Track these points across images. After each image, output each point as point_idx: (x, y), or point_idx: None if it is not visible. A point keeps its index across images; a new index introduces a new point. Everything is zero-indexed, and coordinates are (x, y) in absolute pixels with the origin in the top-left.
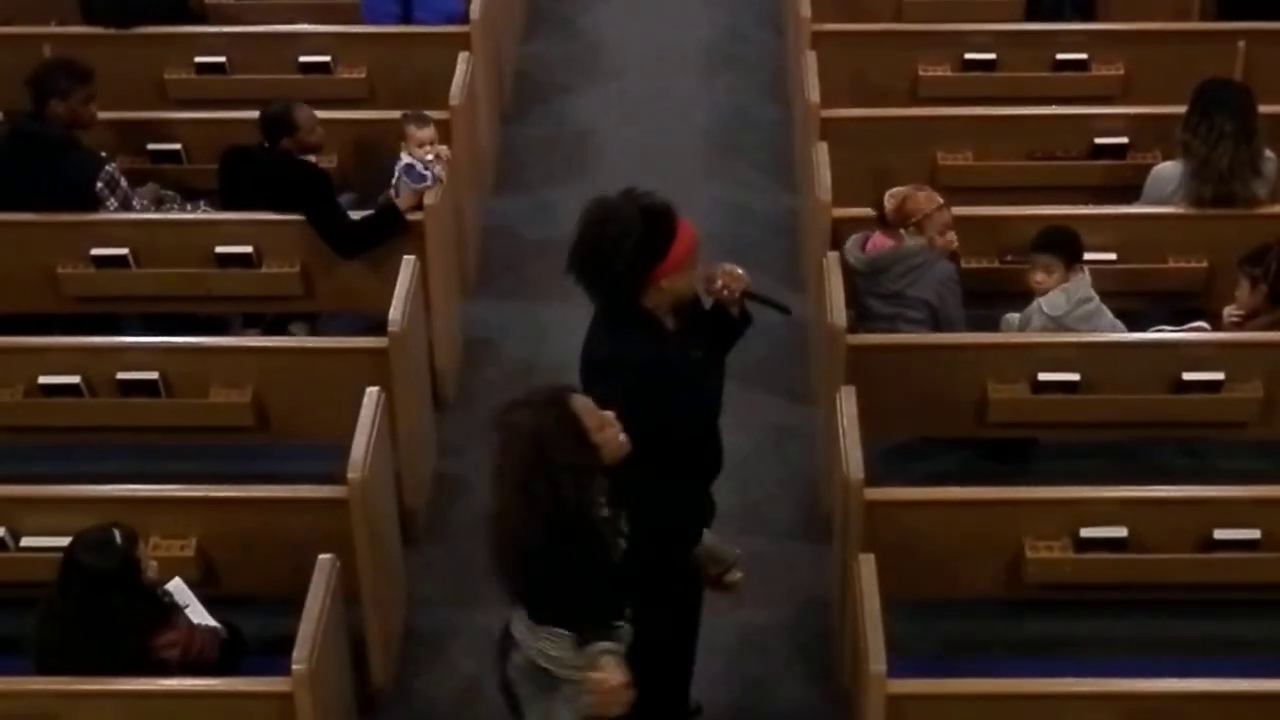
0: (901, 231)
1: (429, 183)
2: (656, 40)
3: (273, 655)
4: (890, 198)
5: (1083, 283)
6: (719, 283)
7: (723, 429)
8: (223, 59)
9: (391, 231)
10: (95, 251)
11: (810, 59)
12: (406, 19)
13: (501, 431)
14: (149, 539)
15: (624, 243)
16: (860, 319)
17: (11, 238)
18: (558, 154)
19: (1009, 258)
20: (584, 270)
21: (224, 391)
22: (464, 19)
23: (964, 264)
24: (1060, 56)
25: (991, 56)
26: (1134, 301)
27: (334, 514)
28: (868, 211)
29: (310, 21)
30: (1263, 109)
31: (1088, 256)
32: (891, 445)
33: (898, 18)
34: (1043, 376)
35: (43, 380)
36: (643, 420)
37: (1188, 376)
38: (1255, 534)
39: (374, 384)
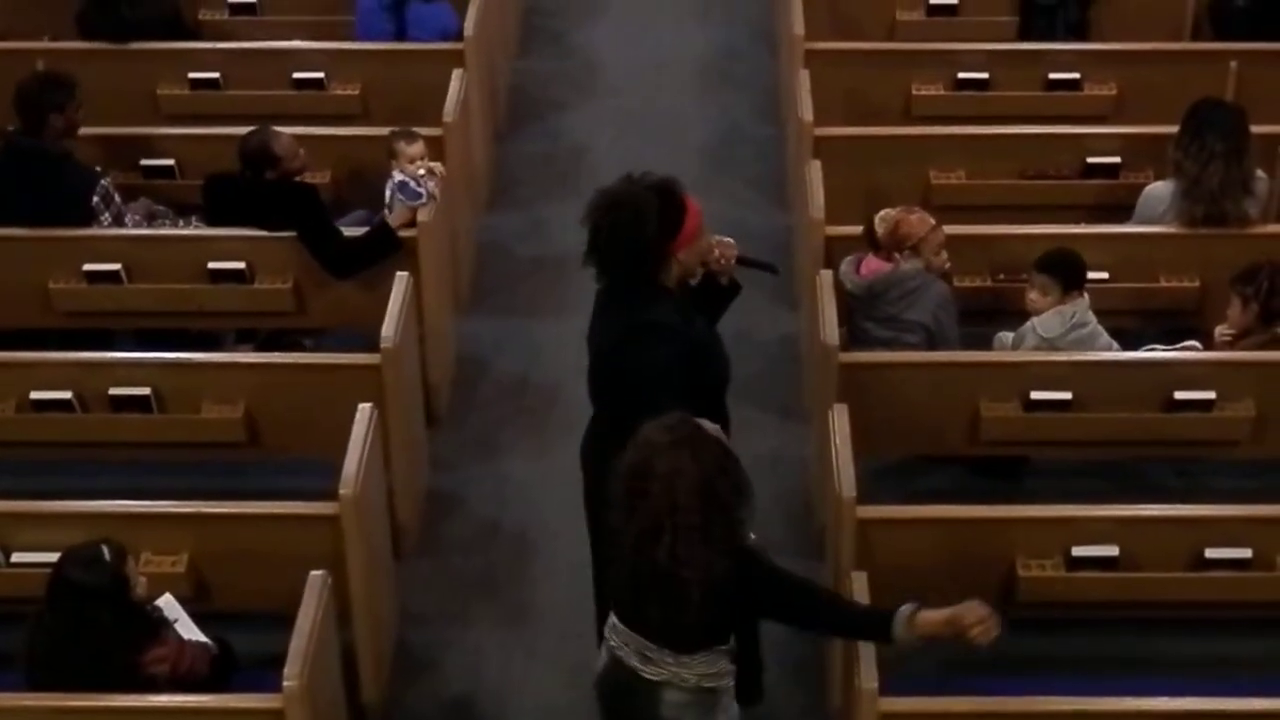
0: (896, 254)
1: (423, 199)
2: (650, 57)
3: (264, 671)
4: (882, 222)
5: (1081, 306)
6: (715, 252)
7: None
8: (216, 75)
9: (384, 251)
10: (88, 267)
11: (804, 77)
12: (400, 36)
13: (653, 481)
14: (140, 554)
15: (644, 221)
16: (854, 342)
17: (4, 252)
18: (552, 171)
19: (1001, 276)
20: (608, 255)
21: (216, 407)
22: (458, 36)
23: (956, 282)
24: (1053, 76)
25: (984, 76)
26: (1126, 320)
27: (326, 530)
28: (860, 230)
29: (304, 38)
30: (1255, 128)
31: None
32: (884, 463)
33: (891, 37)
34: (1035, 395)
35: (34, 395)
36: (683, 386)
37: (1179, 395)
38: (1247, 553)
39: (367, 400)
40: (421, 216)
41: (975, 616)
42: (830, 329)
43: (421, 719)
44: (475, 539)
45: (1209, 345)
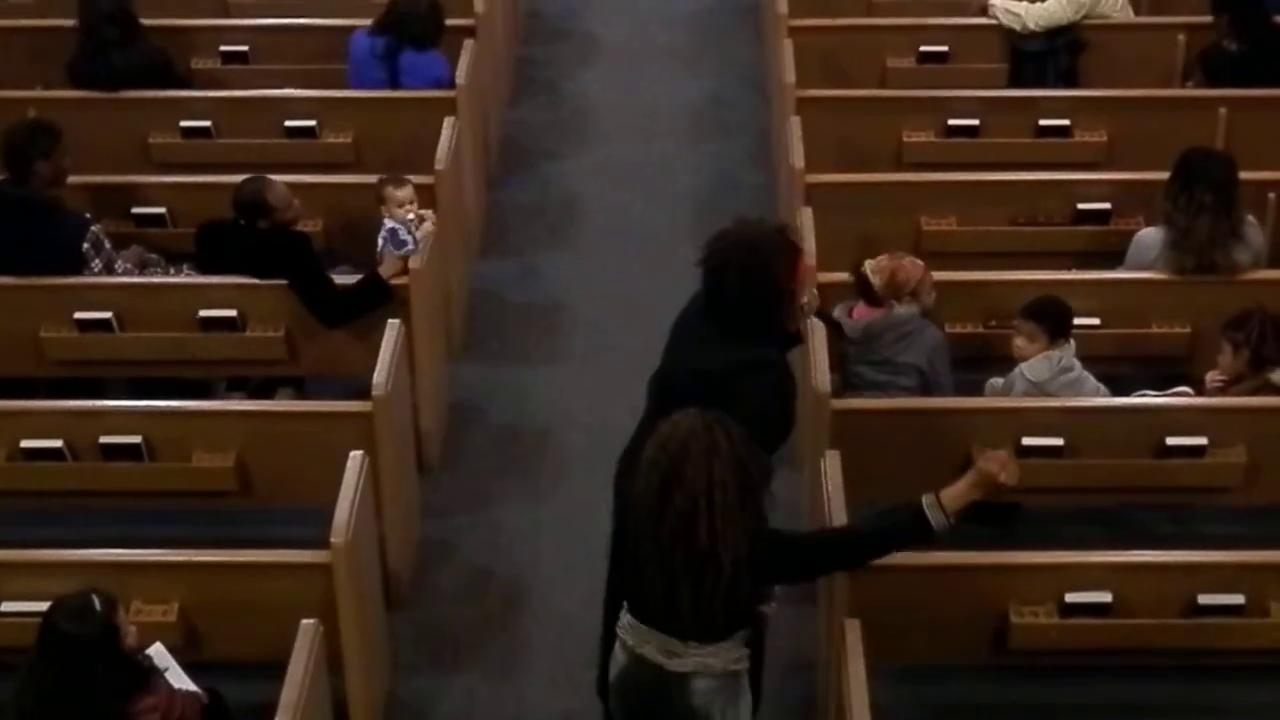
0: (894, 301)
1: (412, 247)
2: (642, 105)
3: None
4: (875, 273)
5: (1067, 351)
6: (806, 298)
7: None
8: (208, 123)
9: (375, 301)
10: (79, 315)
11: (795, 124)
12: (393, 84)
13: (688, 463)
14: (131, 603)
15: (776, 262)
16: (848, 386)
17: None
18: (543, 219)
19: (993, 322)
20: (745, 298)
21: (207, 456)
22: (450, 84)
23: (947, 329)
24: (1043, 123)
25: (975, 122)
26: (1117, 366)
27: (317, 579)
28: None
29: (296, 86)
30: (1245, 175)
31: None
32: (875, 509)
33: (882, 84)
34: (1027, 441)
35: (25, 444)
36: (779, 421)
37: (1171, 441)
38: (1240, 599)
39: (358, 448)
40: (412, 264)
41: (997, 465)
42: (822, 375)
43: None
44: (467, 587)
45: (1200, 391)
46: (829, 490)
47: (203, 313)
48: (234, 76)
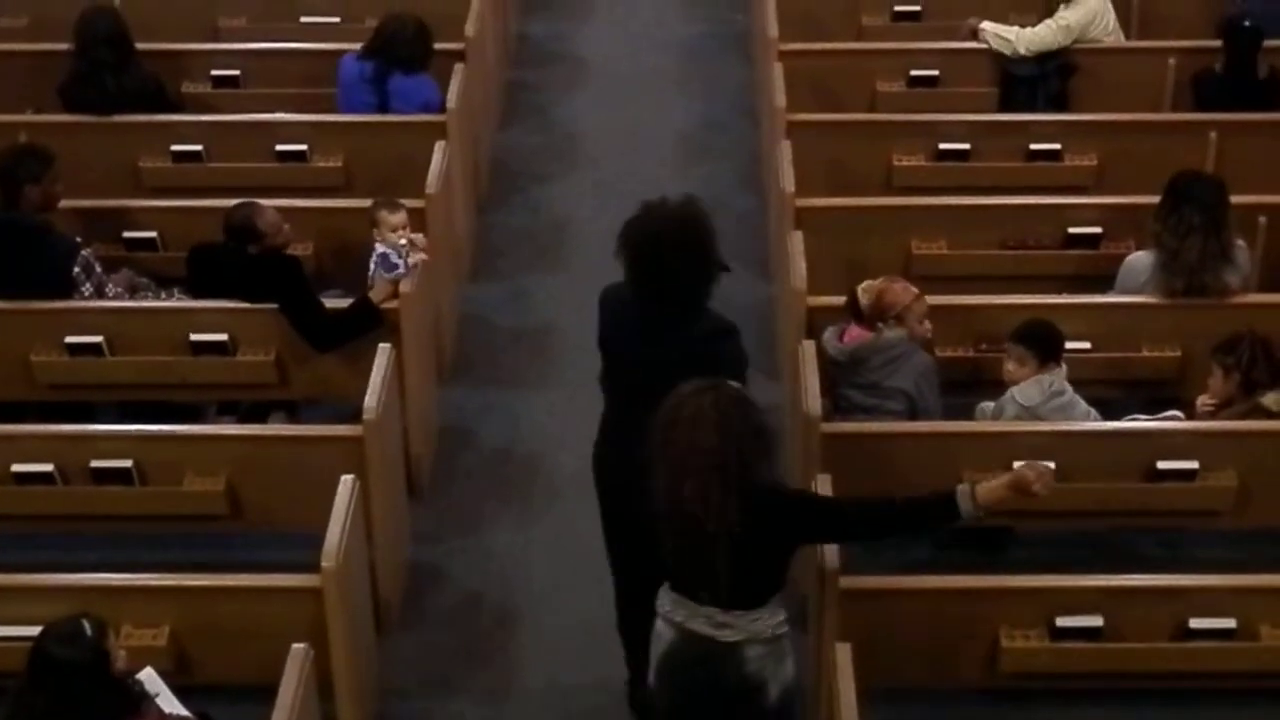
0: (880, 324)
1: (402, 271)
2: (632, 129)
3: None
4: (865, 293)
5: (1058, 376)
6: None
7: None
8: (199, 147)
9: (366, 326)
10: (69, 339)
11: (785, 148)
12: (383, 109)
13: (677, 428)
14: (121, 628)
15: (707, 231)
16: (837, 410)
17: None
18: (534, 242)
19: (983, 346)
20: (686, 273)
21: (198, 480)
22: (440, 109)
23: (938, 352)
24: (1034, 147)
25: (965, 146)
26: (1108, 390)
27: (308, 603)
28: (843, 300)
29: (287, 111)
30: (1235, 198)
31: None
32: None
33: (872, 108)
34: (1018, 465)
35: (15, 468)
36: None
37: (1162, 465)
38: (1231, 623)
39: (348, 472)
40: (403, 288)
41: (1034, 473)
42: (812, 400)
43: None
44: (458, 611)
45: (1191, 415)
46: None
47: (193, 336)
48: (225, 101)
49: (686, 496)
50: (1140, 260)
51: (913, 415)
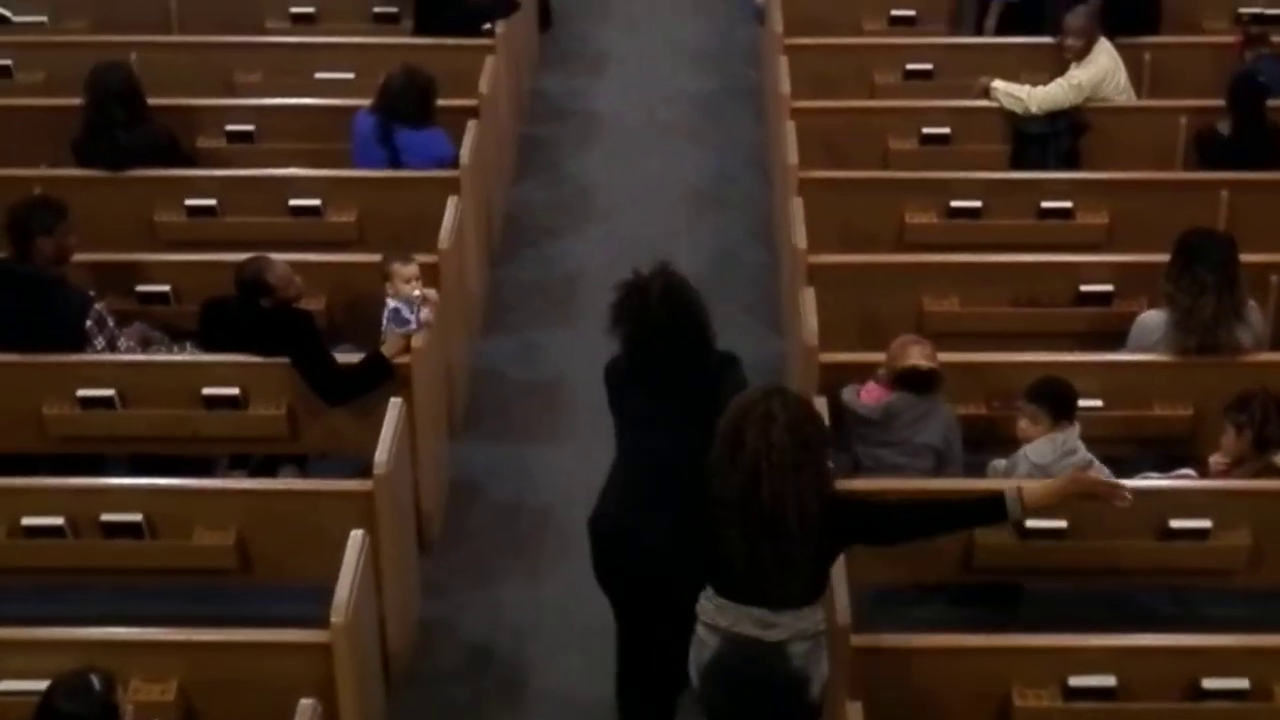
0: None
1: (414, 326)
2: (644, 184)
3: None
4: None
5: (1071, 434)
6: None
7: None
8: (213, 202)
9: (378, 380)
10: (82, 392)
11: (797, 205)
12: (394, 164)
13: (748, 429)
14: (129, 681)
15: (693, 295)
16: (858, 469)
17: None
18: (546, 296)
19: (996, 404)
20: (684, 340)
21: (208, 534)
22: (453, 161)
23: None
24: (1045, 204)
25: (977, 204)
26: (1120, 448)
27: (317, 658)
28: (855, 357)
29: (301, 165)
30: (1246, 257)
31: None
32: (879, 591)
33: (884, 165)
34: (1030, 523)
35: (26, 521)
36: None
37: (1175, 524)
38: (1244, 684)
39: (359, 527)
40: (415, 343)
41: (1090, 481)
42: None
43: None
44: (467, 667)
45: (1203, 473)
46: (831, 576)
47: (205, 390)
48: (239, 155)
49: (765, 498)
50: (1153, 319)
51: (939, 471)
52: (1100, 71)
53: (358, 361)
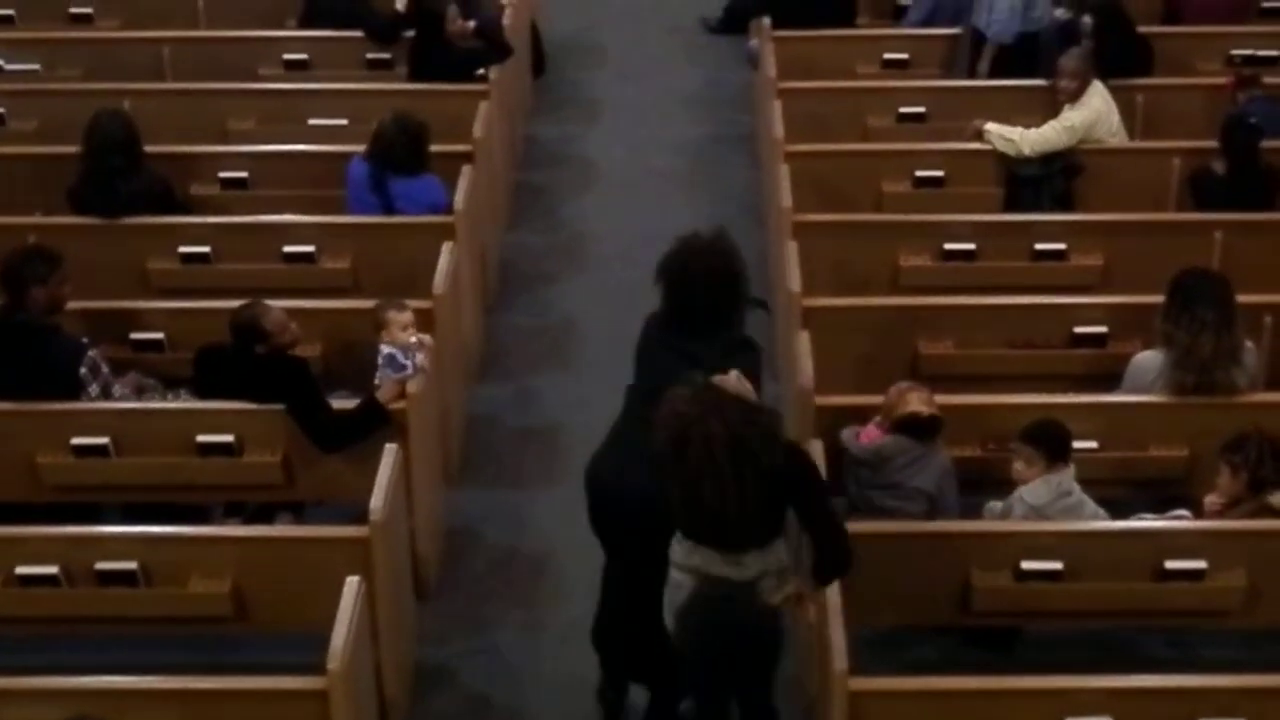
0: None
1: (410, 372)
2: (639, 229)
3: None
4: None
5: (1067, 476)
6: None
7: None
8: (207, 249)
9: (373, 426)
10: (76, 441)
11: (791, 249)
12: (388, 211)
13: (690, 447)
14: None
15: (738, 260)
16: (854, 511)
17: None
18: (541, 342)
19: (991, 446)
20: (716, 300)
21: (203, 582)
22: (448, 209)
23: (945, 452)
24: (1039, 246)
25: (971, 246)
26: (1115, 489)
27: (313, 706)
28: (852, 400)
29: (295, 212)
30: (1242, 298)
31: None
32: (875, 634)
33: (878, 208)
34: (1025, 565)
35: (20, 570)
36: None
37: (1170, 565)
38: None
39: (354, 573)
40: (410, 389)
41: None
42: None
43: None
44: (464, 714)
45: (1199, 514)
46: (828, 616)
47: (200, 438)
48: (233, 202)
49: (704, 494)
50: (1149, 360)
51: (931, 516)
52: (1093, 113)
53: (353, 408)
